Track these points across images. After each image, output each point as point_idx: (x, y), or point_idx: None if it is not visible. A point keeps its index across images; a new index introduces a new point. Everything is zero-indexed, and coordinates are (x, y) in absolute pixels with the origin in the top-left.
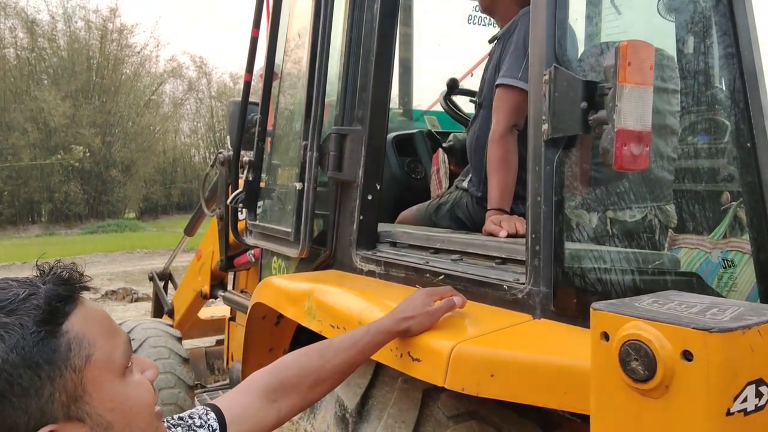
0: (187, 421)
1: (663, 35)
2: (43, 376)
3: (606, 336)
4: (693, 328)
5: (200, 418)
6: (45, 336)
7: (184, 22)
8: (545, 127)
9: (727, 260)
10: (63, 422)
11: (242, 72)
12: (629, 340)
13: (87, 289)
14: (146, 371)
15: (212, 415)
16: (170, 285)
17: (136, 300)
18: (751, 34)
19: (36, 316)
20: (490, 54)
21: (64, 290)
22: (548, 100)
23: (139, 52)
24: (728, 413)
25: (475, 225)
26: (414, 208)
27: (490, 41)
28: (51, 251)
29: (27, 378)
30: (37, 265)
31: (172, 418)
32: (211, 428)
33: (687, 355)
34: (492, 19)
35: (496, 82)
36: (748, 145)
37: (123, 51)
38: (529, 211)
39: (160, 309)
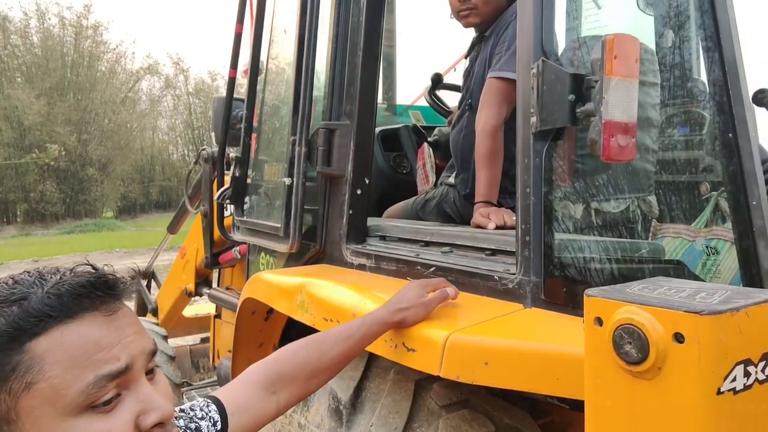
0: (189, 413)
1: (642, 29)
2: None
3: (599, 321)
4: (684, 312)
5: (201, 410)
6: (1, 348)
7: (161, 18)
8: (534, 119)
9: (710, 248)
10: None
11: (220, 68)
12: (622, 324)
13: (90, 310)
14: (143, 414)
15: (213, 407)
16: (153, 284)
17: None
18: (731, 25)
19: (5, 324)
20: (476, 53)
21: (56, 303)
22: (536, 93)
23: (114, 49)
24: (719, 392)
25: (462, 219)
26: (400, 204)
27: (478, 39)
28: (27, 252)
29: None
30: (73, 265)
31: (174, 411)
32: (212, 420)
33: (678, 338)
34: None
35: (490, 74)
36: (730, 135)
37: (98, 48)
38: (518, 202)
39: (143, 308)
